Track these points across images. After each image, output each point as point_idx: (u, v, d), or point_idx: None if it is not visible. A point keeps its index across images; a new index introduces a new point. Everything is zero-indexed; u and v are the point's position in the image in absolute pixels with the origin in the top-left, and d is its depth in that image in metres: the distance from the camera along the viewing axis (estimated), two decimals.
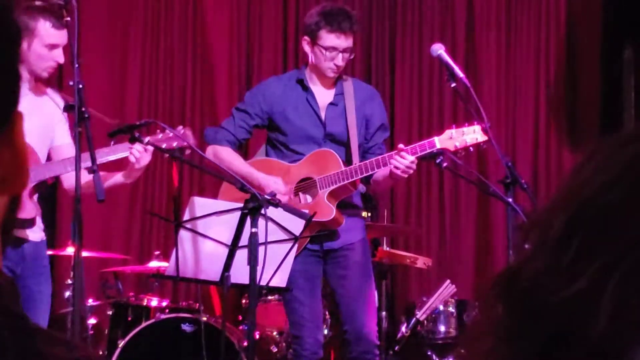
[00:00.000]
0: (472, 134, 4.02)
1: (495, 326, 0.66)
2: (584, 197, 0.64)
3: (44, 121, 3.86)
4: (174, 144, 3.86)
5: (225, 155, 4.27)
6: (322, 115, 4.27)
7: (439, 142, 4.06)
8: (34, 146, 3.72)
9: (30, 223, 3.77)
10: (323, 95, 4.30)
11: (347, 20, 4.19)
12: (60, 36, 3.77)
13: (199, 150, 3.94)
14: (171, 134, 3.83)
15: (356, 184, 4.22)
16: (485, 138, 4.02)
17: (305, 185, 4.23)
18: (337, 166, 4.17)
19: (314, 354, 4.20)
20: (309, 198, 4.23)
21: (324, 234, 4.17)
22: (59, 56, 3.79)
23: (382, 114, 4.41)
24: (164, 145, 3.84)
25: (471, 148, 4.05)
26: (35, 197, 3.89)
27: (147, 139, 3.78)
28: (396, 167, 4.03)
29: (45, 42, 3.75)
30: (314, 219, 4.12)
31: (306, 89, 4.29)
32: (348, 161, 4.23)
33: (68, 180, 3.89)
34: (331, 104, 4.29)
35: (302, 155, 4.25)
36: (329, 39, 4.18)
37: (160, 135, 3.86)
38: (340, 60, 4.20)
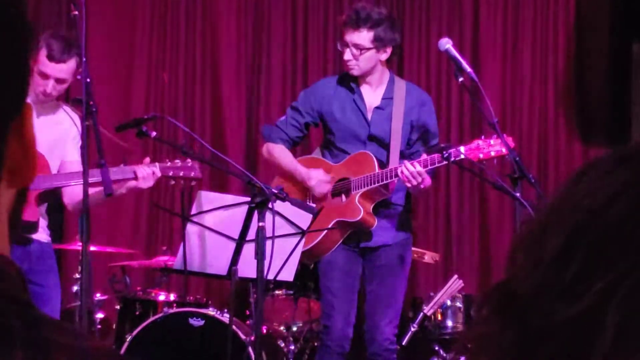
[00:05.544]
0: (498, 147, 3.92)
1: (494, 341, 0.65)
2: (584, 211, 0.63)
3: (57, 135, 3.88)
4: (181, 173, 3.93)
5: (276, 153, 4.38)
6: (369, 116, 4.28)
7: (465, 150, 3.99)
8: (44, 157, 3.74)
9: (34, 227, 3.75)
10: (371, 97, 4.30)
11: (357, 15, 4.16)
12: (53, 69, 3.74)
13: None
14: (179, 164, 3.91)
15: (388, 187, 4.20)
16: (507, 152, 3.92)
17: (343, 185, 4.27)
18: (371, 168, 4.18)
19: (340, 347, 4.22)
20: (344, 198, 4.27)
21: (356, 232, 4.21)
22: (50, 88, 3.76)
23: (430, 120, 4.34)
24: (170, 173, 3.90)
25: (495, 160, 3.96)
26: (43, 207, 3.90)
27: (155, 164, 3.85)
28: (402, 173, 4.01)
29: (38, 69, 3.72)
30: (343, 219, 4.17)
31: (353, 90, 4.30)
32: (387, 164, 4.23)
33: (69, 195, 3.95)
34: (377, 107, 4.29)
35: (348, 154, 4.28)
36: (343, 33, 4.22)
37: (168, 163, 3.91)
38: (347, 55, 4.19)
